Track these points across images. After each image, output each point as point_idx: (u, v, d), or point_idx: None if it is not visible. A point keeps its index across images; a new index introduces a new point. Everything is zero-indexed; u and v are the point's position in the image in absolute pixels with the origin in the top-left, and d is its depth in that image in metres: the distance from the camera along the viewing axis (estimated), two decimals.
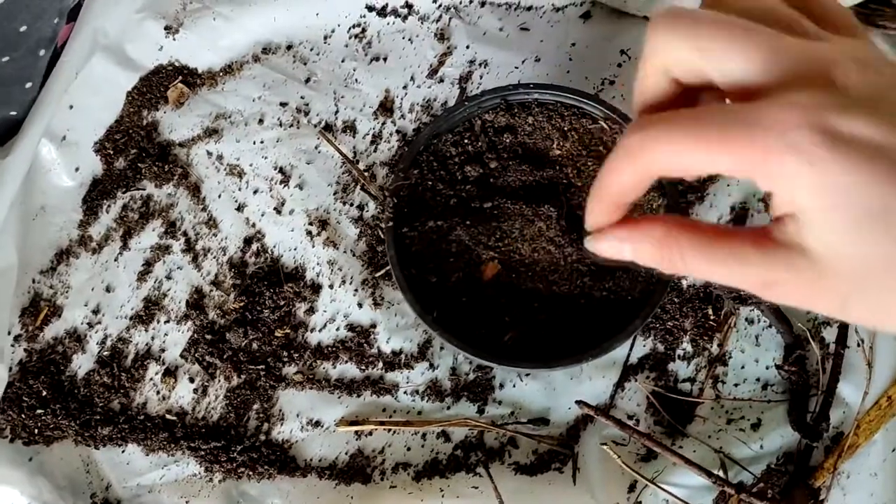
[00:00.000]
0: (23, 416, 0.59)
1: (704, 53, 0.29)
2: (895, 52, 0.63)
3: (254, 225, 0.64)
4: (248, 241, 0.63)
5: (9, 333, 0.61)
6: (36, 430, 0.60)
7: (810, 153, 0.26)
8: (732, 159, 0.27)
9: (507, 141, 0.57)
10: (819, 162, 0.26)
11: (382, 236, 0.57)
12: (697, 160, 0.28)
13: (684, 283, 0.60)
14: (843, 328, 0.58)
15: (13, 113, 0.60)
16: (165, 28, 0.67)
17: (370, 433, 0.59)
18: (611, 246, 0.33)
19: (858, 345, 0.58)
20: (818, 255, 0.28)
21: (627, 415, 0.58)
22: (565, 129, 0.57)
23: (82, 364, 0.61)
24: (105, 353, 0.62)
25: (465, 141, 0.57)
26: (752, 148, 0.27)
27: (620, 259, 0.33)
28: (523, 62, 0.65)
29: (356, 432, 0.59)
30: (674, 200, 0.54)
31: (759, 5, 0.31)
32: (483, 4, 0.67)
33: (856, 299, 0.28)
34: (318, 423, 0.59)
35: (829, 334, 0.58)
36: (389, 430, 0.59)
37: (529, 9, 0.67)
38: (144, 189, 0.65)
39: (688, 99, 0.32)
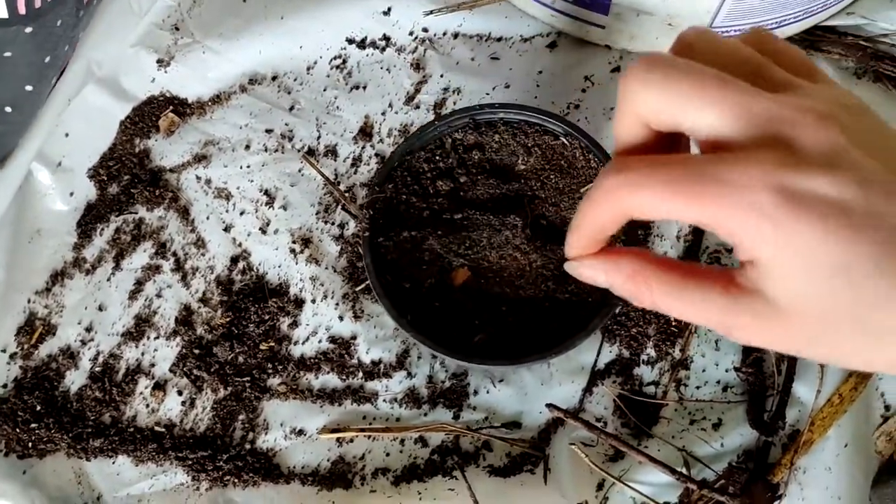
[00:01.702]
0: (17, 430, 0.62)
1: (677, 106, 0.30)
2: (840, 78, 0.68)
3: (240, 245, 0.67)
4: (234, 260, 0.67)
5: (4, 351, 0.64)
6: (30, 444, 0.62)
7: (771, 213, 0.27)
8: (700, 212, 0.29)
9: (476, 157, 0.61)
10: (780, 221, 0.27)
11: (361, 250, 0.61)
12: (668, 208, 0.29)
13: None
14: None
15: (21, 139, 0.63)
16: (158, 61, 0.71)
17: (351, 440, 0.61)
18: (587, 273, 0.35)
19: None
20: (781, 302, 0.29)
21: (596, 417, 0.61)
22: (529, 145, 0.61)
23: (75, 380, 0.64)
24: (97, 368, 0.64)
25: (437, 157, 0.61)
26: (719, 205, 0.28)
27: (596, 284, 0.35)
28: (494, 89, 0.70)
29: (338, 439, 0.61)
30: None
31: (731, 53, 0.32)
32: (456, 36, 0.72)
33: (817, 343, 0.30)
34: (301, 432, 0.62)
35: None
36: (369, 436, 0.61)
37: (499, 39, 0.72)
38: (136, 213, 0.68)
39: (663, 142, 0.33)
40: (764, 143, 0.29)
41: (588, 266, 0.35)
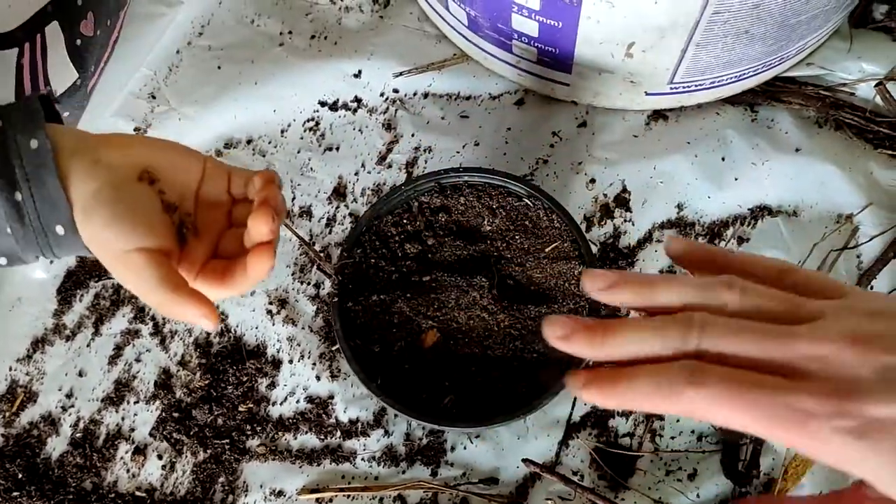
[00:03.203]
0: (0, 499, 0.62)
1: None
2: (801, 126, 0.69)
3: (217, 306, 0.67)
4: None
5: None
6: None
7: (840, 445, 0.28)
8: (778, 438, 0.29)
9: (443, 220, 0.62)
10: (849, 449, 0.28)
11: None
12: (743, 427, 0.29)
13: None
14: None
15: None
16: (135, 129, 0.72)
17: (330, 500, 0.61)
18: None
19: None
20: None
21: (572, 471, 0.61)
22: (494, 206, 0.62)
23: (56, 446, 0.64)
24: (78, 434, 0.65)
25: (405, 221, 0.62)
26: (797, 435, 0.29)
27: None
28: (464, 147, 0.71)
29: (317, 500, 0.62)
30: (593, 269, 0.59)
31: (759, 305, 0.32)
32: (426, 96, 0.73)
33: None
34: (280, 493, 0.62)
35: None
36: (349, 496, 0.61)
37: (468, 98, 0.73)
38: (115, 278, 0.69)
39: None
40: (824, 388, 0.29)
41: None
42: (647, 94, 0.67)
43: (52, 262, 0.69)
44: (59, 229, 0.40)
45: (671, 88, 0.66)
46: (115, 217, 0.40)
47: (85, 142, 0.42)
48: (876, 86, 0.68)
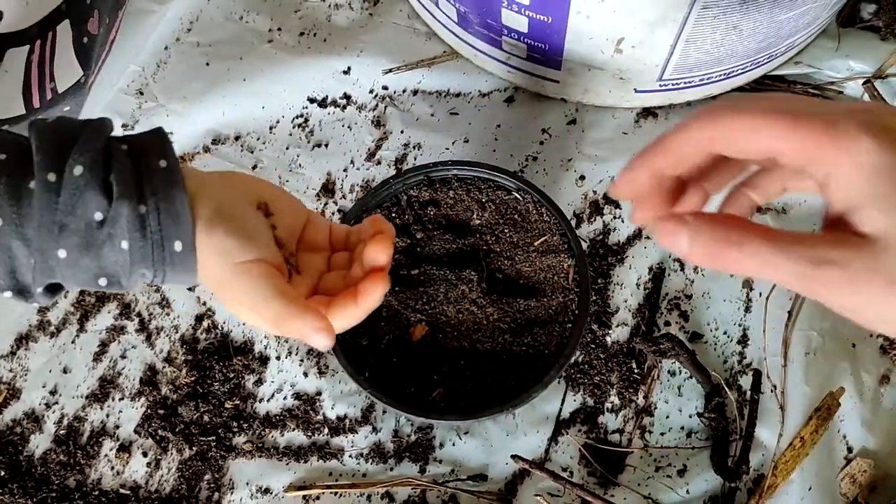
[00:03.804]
0: None
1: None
2: None
3: (204, 303, 0.67)
4: (199, 319, 0.67)
5: None
6: None
7: (856, 137, 0.28)
8: (798, 138, 0.29)
9: (432, 213, 0.62)
10: (862, 144, 0.28)
11: None
12: (766, 136, 0.30)
13: (608, 339, 0.64)
14: (758, 375, 0.62)
15: None
16: (122, 125, 0.72)
17: (318, 497, 0.61)
18: (667, 239, 0.31)
19: (772, 390, 0.61)
20: (872, 237, 0.29)
21: (562, 467, 0.61)
22: (483, 200, 0.62)
23: (40, 444, 0.63)
24: (62, 432, 0.64)
25: (393, 214, 0.62)
26: (815, 131, 0.29)
27: (670, 247, 0.31)
28: (453, 143, 0.71)
29: (304, 497, 0.61)
30: (582, 262, 0.58)
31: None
32: (415, 93, 0.73)
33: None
34: (267, 490, 0.61)
35: (745, 382, 0.62)
36: (336, 493, 0.61)
37: (458, 95, 0.73)
38: None
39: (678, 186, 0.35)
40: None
41: (670, 228, 0.31)
42: (636, 91, 0.67)
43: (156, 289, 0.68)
44: (178, 245, 0.40)
45: (661, 85, 0.66)
46: (238, 229, 0.41)
47: (207, 173, 0.44)
48: (864, 84, 0.69)
